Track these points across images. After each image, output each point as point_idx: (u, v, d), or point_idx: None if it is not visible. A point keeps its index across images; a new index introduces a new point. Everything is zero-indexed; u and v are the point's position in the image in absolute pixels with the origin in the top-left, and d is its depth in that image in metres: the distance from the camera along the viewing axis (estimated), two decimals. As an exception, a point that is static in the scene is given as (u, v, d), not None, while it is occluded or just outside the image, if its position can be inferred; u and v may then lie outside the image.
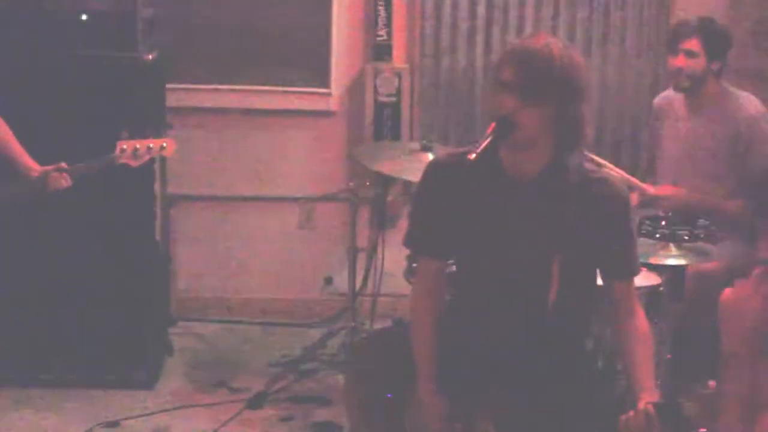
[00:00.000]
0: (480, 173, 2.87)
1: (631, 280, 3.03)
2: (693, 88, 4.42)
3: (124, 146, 4.06)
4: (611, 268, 2.99)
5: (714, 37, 4.38)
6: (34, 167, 4.08)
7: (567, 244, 2.88)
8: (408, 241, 3.11)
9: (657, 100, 4.71)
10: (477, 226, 2.94)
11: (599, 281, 3.06)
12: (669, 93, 4.62)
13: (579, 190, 2.88)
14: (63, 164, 4.02)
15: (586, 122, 2.84)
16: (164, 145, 4.14)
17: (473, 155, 2.77)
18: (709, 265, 4.19)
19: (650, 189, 4.42)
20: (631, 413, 2.76)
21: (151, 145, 4.11)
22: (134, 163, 4.10)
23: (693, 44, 4.35)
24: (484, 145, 2.77)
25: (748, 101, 4.43)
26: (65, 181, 4.02)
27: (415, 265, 4.13)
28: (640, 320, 2.98)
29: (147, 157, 4.12)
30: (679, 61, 4.38)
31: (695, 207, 4.25)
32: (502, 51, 2.94)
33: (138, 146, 4.07)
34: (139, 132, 4.14)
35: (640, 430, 2.74)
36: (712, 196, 4.40)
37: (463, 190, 2.94)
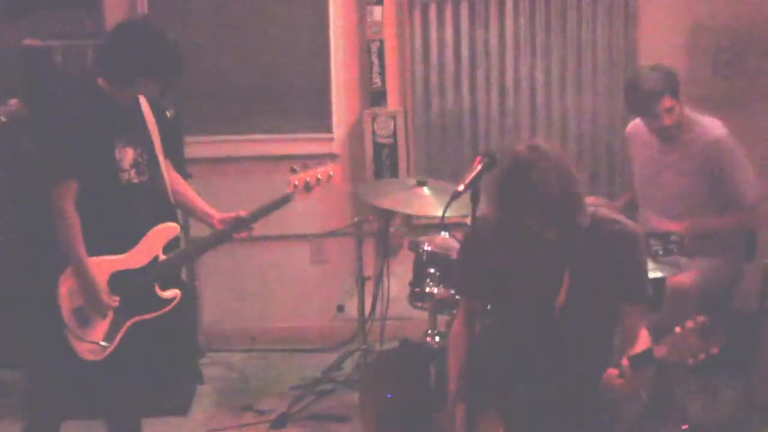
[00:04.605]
0: (505, 231, 3.13)
1: (640, 304, 3.17)
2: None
3: (296, 182, 3.97)
4: (620, 290, 3.16)
5: (673, 83, 4.39)
6: (213, 214, 4.00)
7: (579, 265, 3.11)
8: (457, 288, 3.59)
9: (628, 128, 4.76)
10: (505, 269, 3.22)
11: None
12: (638, 121, 4.63)
13: (590, 232, 3.10)
14: (242, 213, 3.93)
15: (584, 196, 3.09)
16: (331, 174, 4.06)
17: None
18: (686, 282, 4.31)
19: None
20: (610, 371, 2.94)
21: (319, 176, 4.03)
22: (308, 196, 4.03)
23: (667, 101, 4.36)
24: (471, 177, 3.08)
25: (712, 124, 4.47)
26: (247, 231, 3.96)
27: (417, 290, 4.34)
28: (642, 344, 3.10)
29: (318, 189, 4.03)
30: (666, 121, 4.39)
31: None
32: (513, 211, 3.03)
33: (308, 179, 3.99)
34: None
35: (617, 384, 2.93)
36: (703, 219, 4.43)
37: (493, 244, 3.21)
